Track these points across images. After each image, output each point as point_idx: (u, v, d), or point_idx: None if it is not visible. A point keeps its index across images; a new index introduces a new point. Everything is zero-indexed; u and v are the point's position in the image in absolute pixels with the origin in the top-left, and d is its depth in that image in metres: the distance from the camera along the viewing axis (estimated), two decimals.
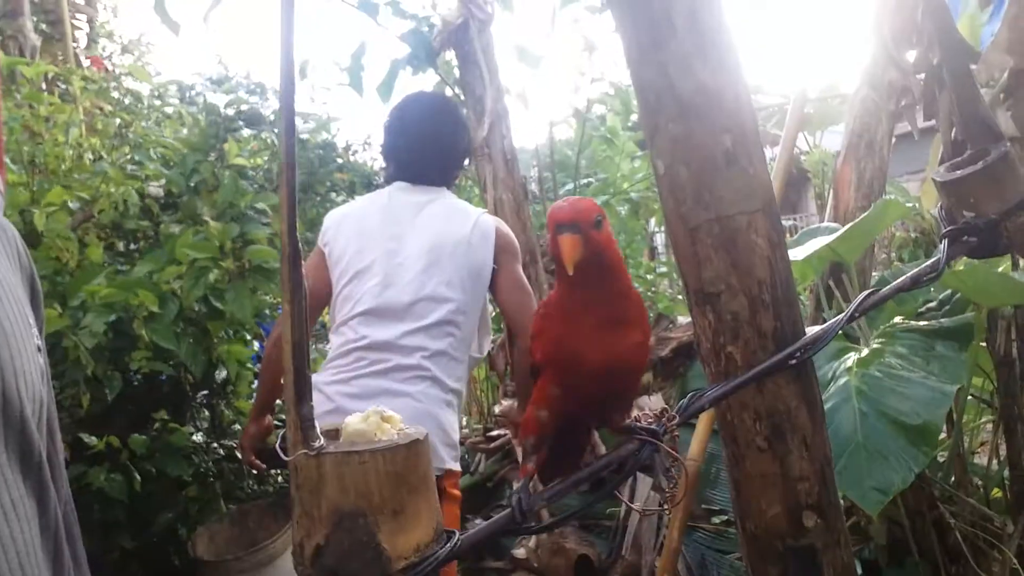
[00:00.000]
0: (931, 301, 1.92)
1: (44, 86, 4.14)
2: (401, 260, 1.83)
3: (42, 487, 0.64)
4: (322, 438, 0.69)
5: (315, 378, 1.88)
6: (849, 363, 1.64)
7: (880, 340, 1.70)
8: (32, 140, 2.70)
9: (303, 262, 0.68)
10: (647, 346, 0.86)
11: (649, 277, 3.67)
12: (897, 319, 1.79)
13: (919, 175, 4.66)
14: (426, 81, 3.26)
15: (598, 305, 0.81)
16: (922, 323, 1.68)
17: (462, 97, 2.92)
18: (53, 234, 2.32)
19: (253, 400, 2.16)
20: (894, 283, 0.99)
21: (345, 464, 0.67)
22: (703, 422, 2.06)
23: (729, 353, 0.91)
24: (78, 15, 5.06)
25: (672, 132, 0.90)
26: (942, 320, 1.66)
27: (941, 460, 2.07)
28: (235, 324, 2.29)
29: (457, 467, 1.87)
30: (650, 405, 2.57)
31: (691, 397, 0.89)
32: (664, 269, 3.92)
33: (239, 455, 2.23)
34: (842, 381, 1.61)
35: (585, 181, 3.73)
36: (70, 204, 2.52)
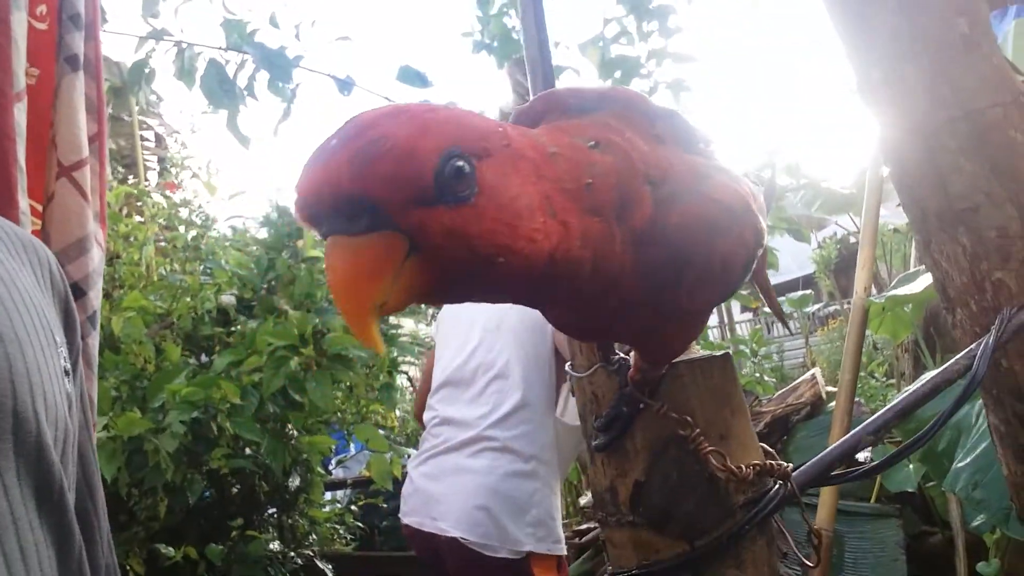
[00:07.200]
0: None
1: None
2: (467, 332, 1.82)
3: (62, 529, 0.54)
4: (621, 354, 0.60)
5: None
6: None
7: None
8: (110, 260, 2.79)
9: None
10: None
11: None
12: None
13: None
14: None
15: None
16: None
17: None
18: (129, 339, 2.33)
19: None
20: None
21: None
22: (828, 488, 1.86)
23: (999, 280, 0.72)
24: (148, 156, 5.42)
25: (891, 25, 0.78)
26: None
27: None
28: (316, 415, 2.22)
29: (550, 551, 1.66)
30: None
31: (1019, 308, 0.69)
32: (744, 348, 3.76)
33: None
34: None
35: None
36: (147, 315, 2.55)
